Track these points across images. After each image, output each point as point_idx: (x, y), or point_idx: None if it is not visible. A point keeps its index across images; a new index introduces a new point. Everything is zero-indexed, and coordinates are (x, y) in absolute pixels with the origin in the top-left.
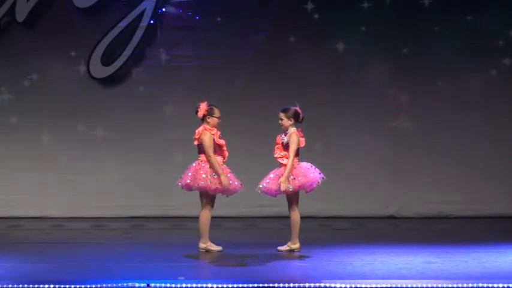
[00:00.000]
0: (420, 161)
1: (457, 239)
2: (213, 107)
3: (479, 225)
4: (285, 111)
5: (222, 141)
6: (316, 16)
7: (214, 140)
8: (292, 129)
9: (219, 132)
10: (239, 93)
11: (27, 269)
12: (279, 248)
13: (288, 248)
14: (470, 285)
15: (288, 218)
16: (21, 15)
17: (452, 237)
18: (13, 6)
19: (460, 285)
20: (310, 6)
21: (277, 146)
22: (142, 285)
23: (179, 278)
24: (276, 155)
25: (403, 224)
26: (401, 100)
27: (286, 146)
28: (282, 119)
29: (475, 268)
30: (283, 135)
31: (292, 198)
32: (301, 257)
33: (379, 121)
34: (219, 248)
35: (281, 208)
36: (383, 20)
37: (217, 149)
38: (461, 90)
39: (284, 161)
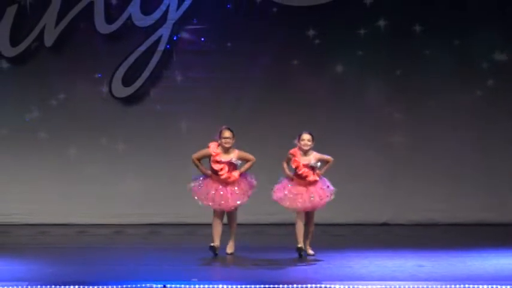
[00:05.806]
0: (412, 173)
1: (446, 244)
2: (222, 129)
3: (467, 232)
4: (311, 134)
5: (216, 166)
6: (317, 41)
7: (210, 159)
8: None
9: (218, 155)
10: (247, 111)
11: (54, 271)
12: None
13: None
14: (457, 286)
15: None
16: (49, 41)
17: (442, 242)
18: (42, 32)
19: (448, 286)
20: (311, 32)
21: (306, 170)
22: (159, 286)
23: (193, 279)
24: (309, 177)
25: (396, 231)
26: (396, 118)
27: (313, 168)
28: (310, 142)
29: (462, 271)
30: (314, 162)
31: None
32: (304, 261)
33: (376, 137)
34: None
35: (287, 216)
36: (378, 45)
37: (213, 170)
38: (449, 109)
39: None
